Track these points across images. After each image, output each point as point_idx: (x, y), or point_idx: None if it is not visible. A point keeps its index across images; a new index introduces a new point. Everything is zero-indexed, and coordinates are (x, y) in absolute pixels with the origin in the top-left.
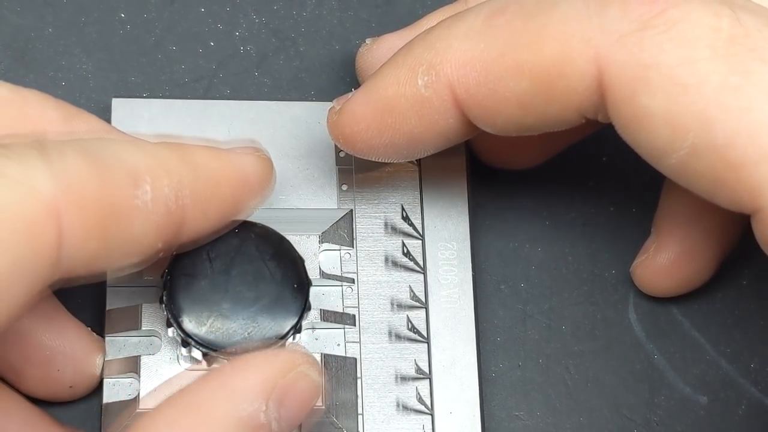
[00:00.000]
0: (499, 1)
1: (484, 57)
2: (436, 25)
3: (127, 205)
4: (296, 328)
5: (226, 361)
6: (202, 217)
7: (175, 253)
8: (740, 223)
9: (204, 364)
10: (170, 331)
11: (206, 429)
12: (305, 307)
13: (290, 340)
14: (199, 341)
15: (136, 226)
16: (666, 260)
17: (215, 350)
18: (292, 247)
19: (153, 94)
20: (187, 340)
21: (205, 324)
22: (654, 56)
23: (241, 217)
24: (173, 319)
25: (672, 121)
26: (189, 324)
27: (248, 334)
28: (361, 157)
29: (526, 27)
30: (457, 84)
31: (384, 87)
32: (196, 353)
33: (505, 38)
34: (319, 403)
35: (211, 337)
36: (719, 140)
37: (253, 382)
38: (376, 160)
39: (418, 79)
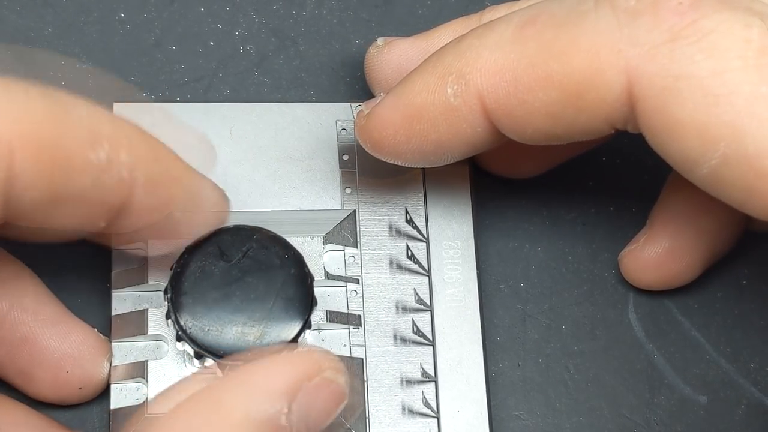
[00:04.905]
0: (529, 11)
1: (514, 67)
2: (466, 33)
3: (81, 159)
4: (306, 327)
5: (215, 361)
6: (147, 206)
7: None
8: (735, 231)
9: (196, 362)
10: (168, 322)
11: (224, 427)
12: (305, 325)
13: (302, 337)
14: (192, 339)
15: (86, 182)
16: (653, 253)
17: (204, 350)
18: (306, 268)
19: (153, 94)
20: (180, 335)
21: (199, 323)
22: (684, 67)
23: (181, 233)
24: (172, 312)
25: (703, 132)
26: (184, 319)
27: (239, 341)
28: (388, 161)
29: (557, 38)
30: (486, 94)
31: (413, 94)
32: (188, 349)
33: (536, 49)
34: None
35: (200, 335)
36: (750, 150)
37: (276, 382)
38: (403, 165)
39: (447, 88)
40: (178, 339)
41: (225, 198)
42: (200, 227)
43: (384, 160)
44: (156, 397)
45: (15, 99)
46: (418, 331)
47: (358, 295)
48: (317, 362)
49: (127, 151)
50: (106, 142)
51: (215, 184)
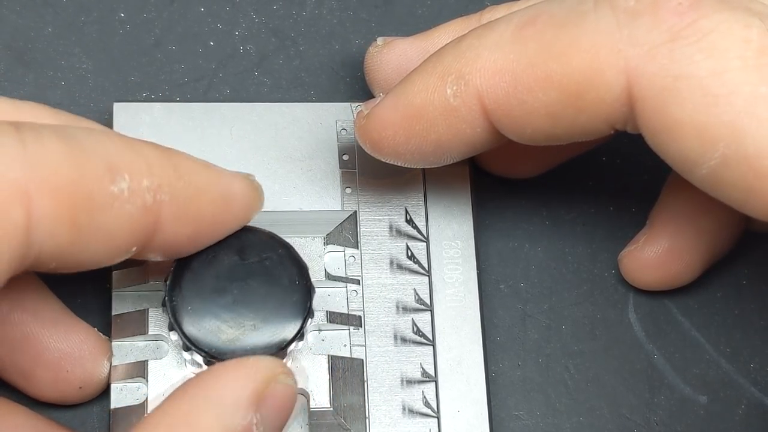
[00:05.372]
0: (528, 11)
1: (513, 67)
2: (466, 34)
3: (103, 194)
4: (298, 337)
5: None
6: (178, 224)
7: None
8: (735, 231)
9: (185, 354)
10: (172, 335)
11: None
12: (307, 315)
13: (291, 347)
14: (199, 346)
15: (110, 216)
16: (653, 254)
17: (213, 356)
18: (309, 303)
19: (153, 94)
20: (187, 345)
21: (204, 328)
22: (684, 67)
23: (219, 236)
24: (174, 322)
25: (702, 132)
26: (189, 327)
27: (244, 341)
28: (388, 161)
29: (556, 38)
30: (485, 94)
31: (413, 94)
32: (197, 357)
33: (535, 49)
34: (327, 404)
35: (208, 339)
36: (750, 150)
37: (242, 393)
38: (402, 165)
39: (447, 88)
40: (186, 349)
41: (257, 187)
42: (233, 227)
43: (383, 160)
44: (157, 399)
45: (27, 143)
46: (418, 331)
47: (359, 295)
48: (271, 369)
49: (147, 176)
50: (125, 172)
51: (244, 176)
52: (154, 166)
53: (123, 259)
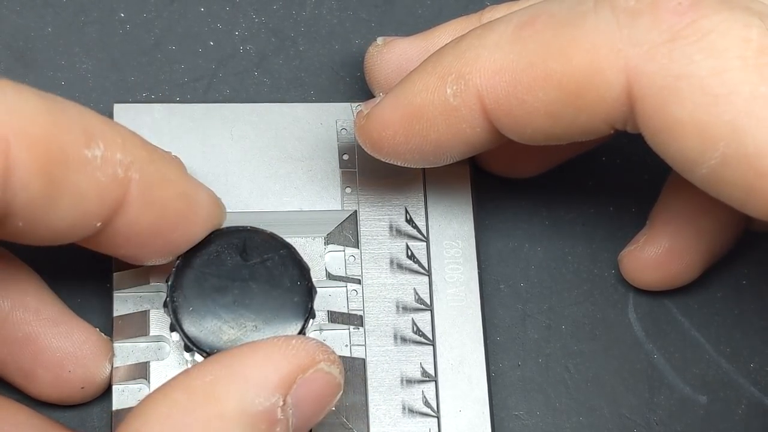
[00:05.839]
0: (528, 11)
1: (513, 67)
2: (466, 34)
3: (77, 155)
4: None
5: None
6: (143, 207)
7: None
8: (735, 231)
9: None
10: (173, 335)
11: (220, 422)
12: (309, 316)
13: None
14: (200, 346)
15: (82, 179)
16: (653, 253)
17: (179, 327)
18: (310, 303)
19: (152, 94)
20: (189, 345)
21: (206, 329)
22: (684, 67)
23: (181, 239)
24: (175, 323)
25: (702, 131)
26: (190, 327)
27: (245, 341)
28: (387, 161)
29: (556, 38)
30: (485, 94)
31: (413, 94)
32: (199, 358)
33: (535, 48)
34: None
35: (209, 339)
36: (750, 149)
37: (271, 375)
38: (402, 165)
39: (446, 88)
40: (187, 349)
41: (221, 205)
42: (195, 233)
43: (383, 160)
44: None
45: (7, 94)
46: (418, 331)
47: (359, 295)
48: (312, 354)
49: (121, 150)
50: (100, 141)
51: (211, 191)
52: (128, 144)
53: (87, 233)
